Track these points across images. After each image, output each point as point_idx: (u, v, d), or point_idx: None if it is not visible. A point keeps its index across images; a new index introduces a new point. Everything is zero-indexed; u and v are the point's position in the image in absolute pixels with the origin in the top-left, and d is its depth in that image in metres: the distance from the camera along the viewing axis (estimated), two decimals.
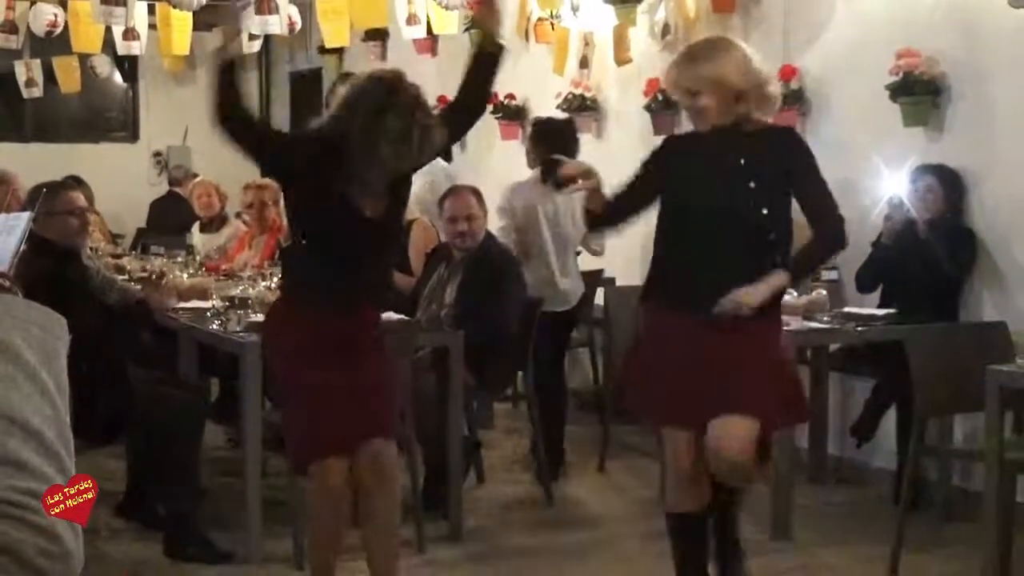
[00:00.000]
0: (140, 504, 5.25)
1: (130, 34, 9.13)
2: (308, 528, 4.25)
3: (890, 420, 5.70)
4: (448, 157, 6.49)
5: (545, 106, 8.05)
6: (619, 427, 6.48)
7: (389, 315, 4.60)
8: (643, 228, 4.39)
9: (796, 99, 6.42)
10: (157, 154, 12.56)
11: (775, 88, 4.08)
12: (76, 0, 8.80)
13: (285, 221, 5.23)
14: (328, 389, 3.93)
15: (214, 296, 5.58)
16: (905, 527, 4.68)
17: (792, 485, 5.24)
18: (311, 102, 10.59)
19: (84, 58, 10.34)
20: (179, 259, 7.19)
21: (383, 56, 10.12)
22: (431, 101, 4.12)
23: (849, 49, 6.34)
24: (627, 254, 7.01)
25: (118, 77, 12.40)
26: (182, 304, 5.71)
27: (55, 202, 4.81)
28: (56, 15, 9.09)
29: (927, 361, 4.65)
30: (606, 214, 4.12)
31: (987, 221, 5.64)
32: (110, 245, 8.77)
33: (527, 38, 8.51)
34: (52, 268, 4.56)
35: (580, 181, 3.97)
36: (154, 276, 6.05)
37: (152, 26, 9.36)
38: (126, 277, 6.31)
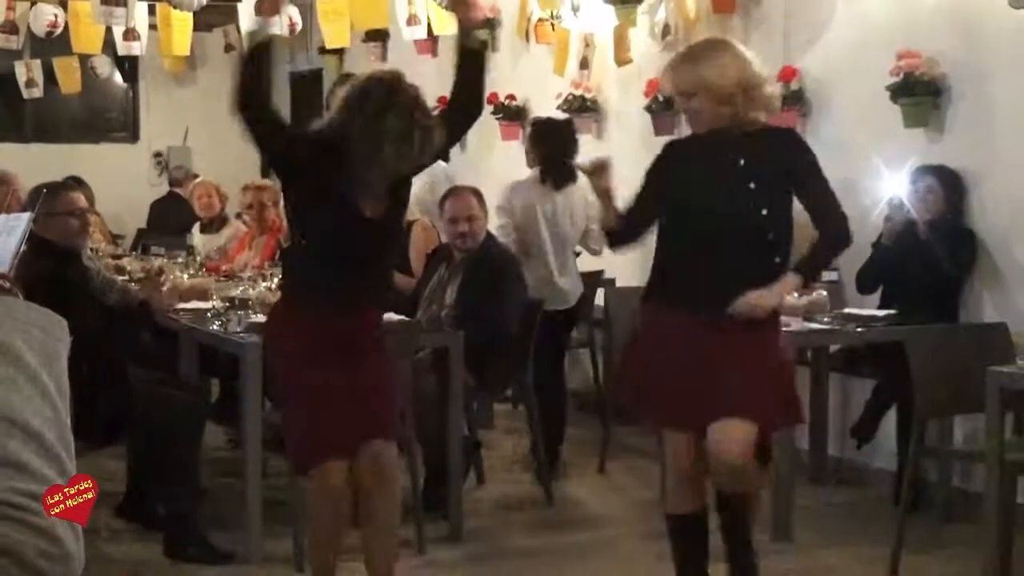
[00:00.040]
0: (140, 505, 5.25)
1: (130, 34, 9.12)
2: (308, 528, 4.25)
3: (890, 421, 5.69)
4: (446, 157, 6.47)
5: (545, 107, 8.04)
6: (619, 428, 6.48)
7: (390, 316, 4.60)
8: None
9: (796, 100, 6.42)
10: (157, 155, 12.56)
11: (773, 89, 4.09)
12: (76, 0, 8.81)
13: (284, 222, 5.22)
14: (328, 390, 3.92)
15: (214, 297, 5.59)
16: (905, 528, 4.68)
17: (792, 486, 5.24)
18: (311, 103, 10.57)
19: (84, 58, 10.34)
20: (179, 260, 7.20)
21: (383, 57, 10.11)
22: (431, 102, 4.10)
23: (849, 50, 6.33)
24: (627, 254, 6.98)
25: (118, 77, 12.39)
26: (182, 305, 5.71)
27: (55, 203, 4.81)
28: (56, 15, 9.09)
29: (927, 362, 4.65)
30: (621, 229, 4.16)
31: (987, 222, 5.63)
32: (110, 246, 8.78)
33: (527, 39, 8.51)
34: (52, 269, 4.55)
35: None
36: (152, 274, 6.04)
37: (152, 26, 9.36)
38: (126, 278, 6.32)
